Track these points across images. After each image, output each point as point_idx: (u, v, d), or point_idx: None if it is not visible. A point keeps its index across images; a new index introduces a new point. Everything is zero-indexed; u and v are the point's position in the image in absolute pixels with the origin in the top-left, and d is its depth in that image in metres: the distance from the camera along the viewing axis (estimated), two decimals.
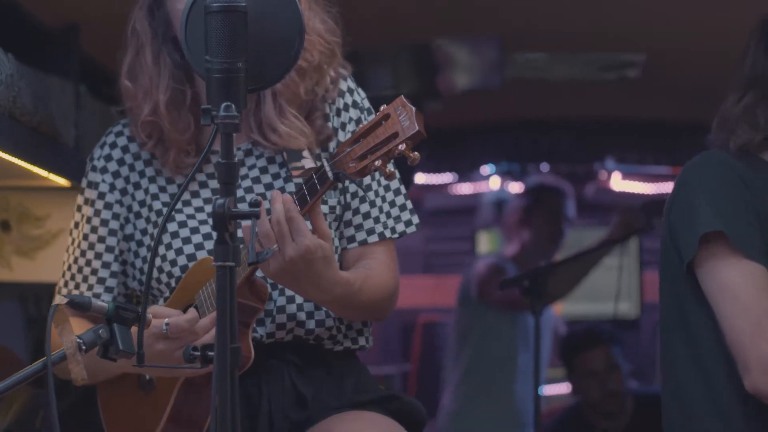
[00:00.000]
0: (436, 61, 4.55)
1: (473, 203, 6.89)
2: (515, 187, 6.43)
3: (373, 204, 2.67)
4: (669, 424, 2.77)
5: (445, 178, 6.65)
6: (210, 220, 2.35)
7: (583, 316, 6.84)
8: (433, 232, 7.62)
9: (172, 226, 2.62)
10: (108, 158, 2.73)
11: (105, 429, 2.72)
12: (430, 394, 6.32)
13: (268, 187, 2.63)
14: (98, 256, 2.70)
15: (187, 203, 2.65)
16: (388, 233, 2.67)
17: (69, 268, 2.73)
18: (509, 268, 5.38)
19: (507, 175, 6.49)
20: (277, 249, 2.35)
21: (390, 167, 2.30)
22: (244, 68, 2.05)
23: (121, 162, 2.72)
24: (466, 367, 5.52)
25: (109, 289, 2.70)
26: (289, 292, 2.58)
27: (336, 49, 2.64)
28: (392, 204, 2.69)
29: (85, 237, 2.71)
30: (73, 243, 2.74)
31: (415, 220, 2.71)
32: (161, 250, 2.62)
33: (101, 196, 2.71)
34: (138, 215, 2.69)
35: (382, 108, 2.30)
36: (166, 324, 2.37)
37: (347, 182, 2.42)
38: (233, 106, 2.01)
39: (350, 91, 2.71)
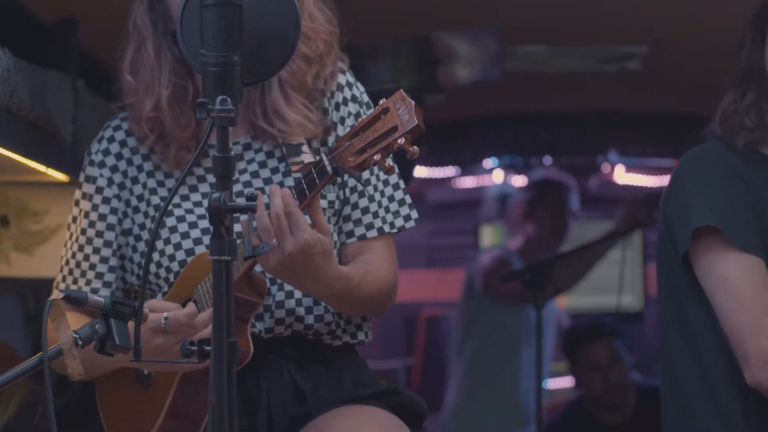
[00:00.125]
0: (436, 54, 4.54)
1: (476, 197, 6.89)
2: (518, 181, 6.43)
3: (371, 199, 2.66)
4: (667, 419, 2.76)
5: (447, 171, 6.65)
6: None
7: (586, 309, 6.85)
8: (435, 226, 7.61)
9: (170, 221, 2.62)
10: (106, 152, 2.72)
11: (104, 424, 2.72)
12: (433, 388, 6.32)
13: (267, 181, 2.62)
14: (96, 250, 2.70)
15: (185, 198, 2.64)
16: (387, 228, 2.66)
17: (67, 263, 2.72)
18: (515, 261, 5.39)
19: (510, 168, 6.49)
20: (276, 244, 2.35)
21: (389, 161, 2.29)
22: (239, 62, 2.04)
23: (118, 156, 2.71)
24: (471, 360, 5.52)
25: (107, 284, 2.70)
26: (287, 287, 2.58)
27: (334, 40, 2.63)
28: (391, 198, 2.68)
29: (83, 232, 2.70)
30: (70, 238, 2.73)
31: (414, 214, 2.70)
32: (159, 244, 2.61)
33: (99, 190, 2.71)
34: (136, 210, 2.69)
35: (381, 102, 2.29)
36: (165, 318, 2.37)
37: (346, 176, 2.42)
38: (229, 99, 2.01)
39: (349, 85, 2.70)
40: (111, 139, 2.73)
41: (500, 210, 6.27)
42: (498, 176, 6.59)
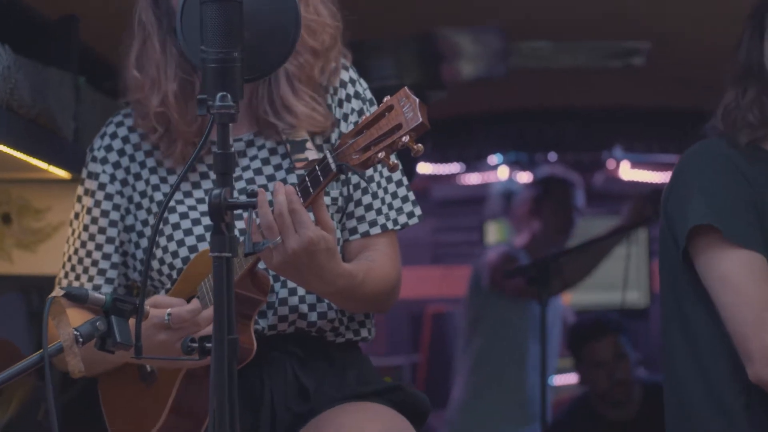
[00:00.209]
0: (440, 51, 4.54)
1: (481, 193, 6.88)
2: (524, 177, 6.43)
3: (375, 196, 2.66)
4: (669, 416, 2.76)
5: (452, 168, 6.65)
6: None
7: (591, 306, 6.84)
8: (441, 223, 7.61)
9: (173, 218, 2.61)
10: (108, 149, 2.71)
11: (106, 421, 2.71)
12: (439, 384, 6.33)
13: (271, 178, 2.62)
14: (98, 247, 2.69)
15: (188, 194, 2.64)
16: (390, 225, 2.66)
17: (69, 259, 2.72)
18: (521, 257, 5.38)
19: (515, 164, 6.49)
20: (279, 241, 2.34)
21: (393, 159, 2.28)
22: (239, 58, 2.04)
23: (121, 152, 2.71)
24: (477, 357, 5.52)
25: (109, 281, 2.69)
26: (291, 284, 2.57)
27: (338, 35, 2.63)
28: (394, 195, 2.67)
29: (86, 228, 2.70)
30: (73, 234, 2.72)
31: (418, 211, 2.70)
32: (162, 241, 2.61)
33: (101, 186, 2.70)
34: (139, 206, 2.68)
35: (385, 99, 2.28)
36: (168, 314, 2.37)
37: (350, 174, 2.41)
38: (229, 96, 2.00)
39: (352, 81, 2.69)
40: (113, 136, 2.72)
41: (505, 206, 6.27)
42: (503, 173, 6.58)
